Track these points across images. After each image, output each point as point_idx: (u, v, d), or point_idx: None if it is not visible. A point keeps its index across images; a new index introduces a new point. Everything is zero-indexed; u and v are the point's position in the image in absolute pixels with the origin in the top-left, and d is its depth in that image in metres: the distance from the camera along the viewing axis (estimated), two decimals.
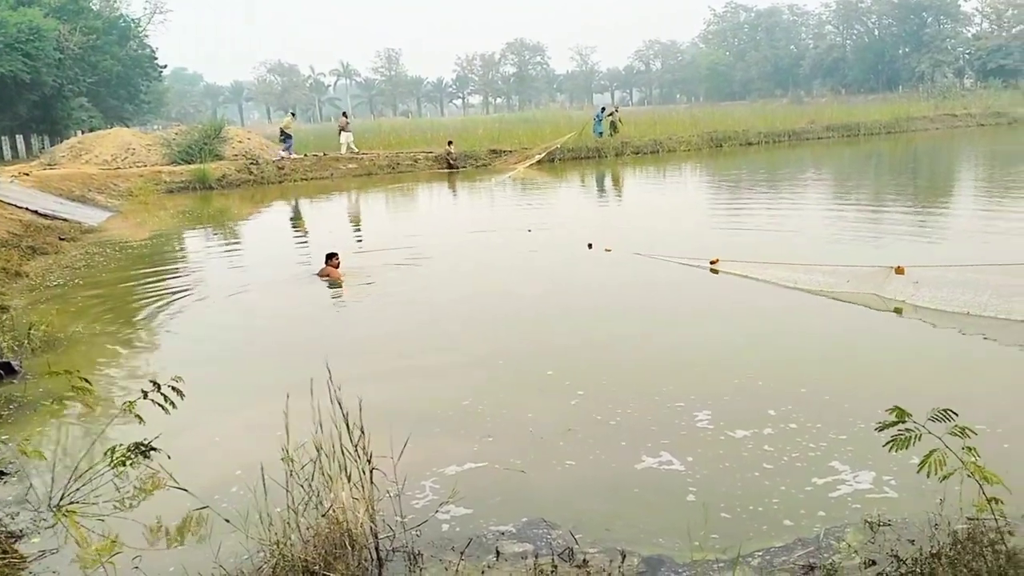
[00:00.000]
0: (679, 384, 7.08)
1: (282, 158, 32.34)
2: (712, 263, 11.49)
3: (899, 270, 9.45)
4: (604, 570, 4.13)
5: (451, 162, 33.09)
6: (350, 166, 32.77)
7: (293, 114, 38.99)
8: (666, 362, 7.96)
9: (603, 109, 39.48)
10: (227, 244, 18.28)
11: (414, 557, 4.35)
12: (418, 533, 4.64)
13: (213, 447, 6.40)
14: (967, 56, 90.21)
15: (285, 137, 33.32)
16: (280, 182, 30.57)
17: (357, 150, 34.53)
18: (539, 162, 32.96)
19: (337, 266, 12.28)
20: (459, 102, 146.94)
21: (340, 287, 12.03)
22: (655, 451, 5.71)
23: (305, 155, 33.40)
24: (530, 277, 12.38)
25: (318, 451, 4.20)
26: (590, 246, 13.64)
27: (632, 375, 7.55)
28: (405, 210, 24.24)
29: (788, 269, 10.56)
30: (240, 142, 33.77)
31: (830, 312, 9.51)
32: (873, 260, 10.48)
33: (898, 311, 9.17)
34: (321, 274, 12.27)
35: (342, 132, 34.40)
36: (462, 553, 4.34)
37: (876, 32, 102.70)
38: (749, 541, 4.49)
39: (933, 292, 9.06)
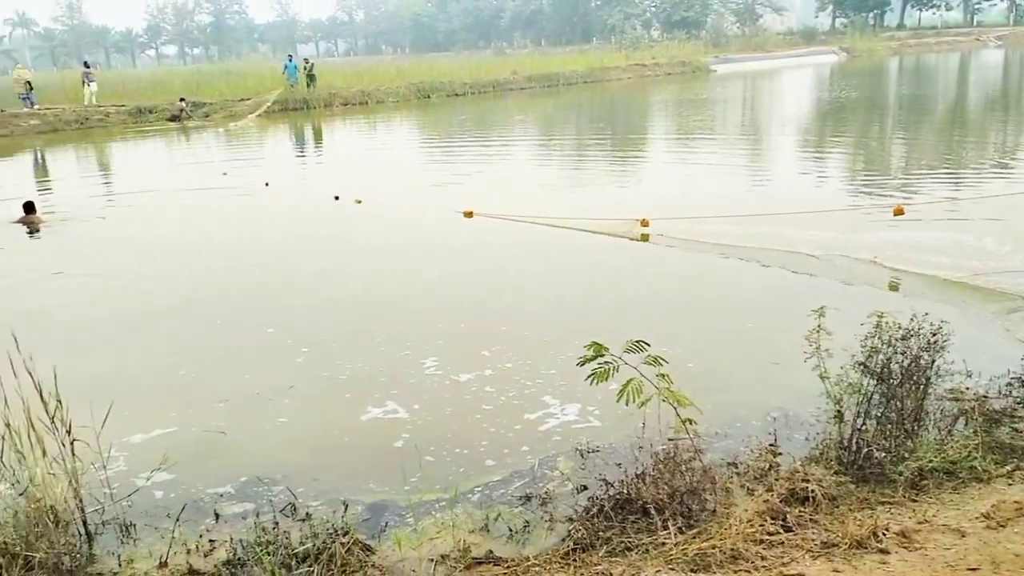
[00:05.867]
0: (410, 333, 7.09)
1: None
2: (467, 213, 11.43)
3: (644, 222, 10.07)
4: (328, 521, 4.08)
5: (176, 116, 31.31)
6: (32, 122, 29.29)
7: None
8: (399, 313, 7.90)
9: (291, 57, 38.29)
10: None
11: (126, 528, 4.22)
12: (129, 503, 4.45)
13: None
14: (653, 9, 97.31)
15: None
16: None
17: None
18: (263, 112, 31.85)
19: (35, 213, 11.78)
20: (152, 53, 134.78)
21: (38, 232, 11.41)
22: (382, 401, 5.76)
23: None
24: (265, 230, 12.00)
25: (7, 427, 3.80)
26: (337, 198, 13.24)
27: (365, 329, 7.45)
28: (116, 162, 22.45)
29: (545, 222, 10.90)
30: None
31: (571, 253, 10.02)
32: (616, 207, 11.19)
33: (644, 238, 9.94)
34: (23, 221, 11.74)
35: (89, 83, 32.47)
36: (178, 519, 4.17)
37: None
38: (469, 478, 4.69)
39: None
